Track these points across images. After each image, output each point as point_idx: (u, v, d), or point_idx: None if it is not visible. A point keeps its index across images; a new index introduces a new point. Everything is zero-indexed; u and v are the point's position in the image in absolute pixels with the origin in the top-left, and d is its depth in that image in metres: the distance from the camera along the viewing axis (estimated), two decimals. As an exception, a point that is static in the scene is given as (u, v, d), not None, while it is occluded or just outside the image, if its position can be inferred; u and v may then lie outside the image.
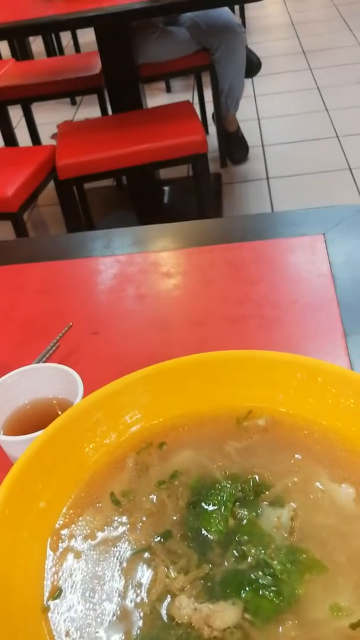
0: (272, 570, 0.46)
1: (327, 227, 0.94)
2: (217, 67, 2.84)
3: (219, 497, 0.50)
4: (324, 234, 0.93)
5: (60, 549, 0.49)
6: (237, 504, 0.50)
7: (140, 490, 0.53)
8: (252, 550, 0.47)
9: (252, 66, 3.05)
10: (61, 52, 4.52)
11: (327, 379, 0.53)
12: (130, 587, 0.46)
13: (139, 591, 0.46)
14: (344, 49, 4.23)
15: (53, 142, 2.51)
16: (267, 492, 0.51)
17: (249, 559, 0.46)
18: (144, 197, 2.78)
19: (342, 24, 4.64)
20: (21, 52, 3.97)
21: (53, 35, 4.40)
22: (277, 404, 0.56)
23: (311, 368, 0.54)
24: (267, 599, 0.44)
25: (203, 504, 0.50)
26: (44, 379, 0.63)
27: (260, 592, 0.44)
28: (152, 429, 0.57)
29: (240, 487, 0.51)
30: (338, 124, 3.33)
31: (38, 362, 0.76)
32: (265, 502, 0.50)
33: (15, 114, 3.25)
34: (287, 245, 0.93)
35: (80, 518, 0.51)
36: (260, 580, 0.45)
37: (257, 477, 0.52)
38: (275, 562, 0.46)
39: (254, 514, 0.49)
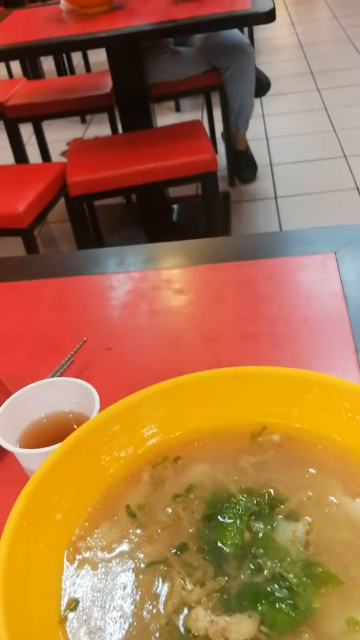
0: (288, 583, 0.46)
1: (338, 245, 0.95)
2: (228, 86, 2.88)
3: (235, 511, 0.51)
4: (335, 253, 0.94)
5: (77, 561, 0.50)
6: (253, 517, 0.51)
7: (156, 503, 0.54)
8: (268, 564, 0.47)
9: (262, 86, 3.09)
10: (72, 71, 4.59)
11: (342, 395, 0.54)
12: (146, 598, 0.47)
13: (155, 603, 0.46)
14: (351, 70, 4.28)
15: (63, 159, 2.54)
16: (282, 506, 0.51)
17: (265, 572, 0.47)
18: (152, 215, 2.80)
19: (349, 46, 4.70)
20: (32, 72, 4.03)
21: (64, 55, 4.47)
22: (292, 419, 0.57)
23: (325, 384, 0.55)
24: (283, 612, 0.44)
25: (219, 517, 0.51)
26: (61, 393, 0.64)
27: (277, 605, 0.45)
28: (167, 443, 0.58)
29: (255, 501, 0.52)
30: (346, 144, 3.36)
31: (52, 377, 0.77)
32: (280, 516, 0.51)
33: (26, 131, 3.29)
34: (299, 263, 0.94)
35: (97, 530, 0.52)
36: (276, 593, 0.45)
37: (272, 491, 0.53)
38: (291, 576, 0.46)
39: (270, 527, 0.50)
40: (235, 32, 2.90)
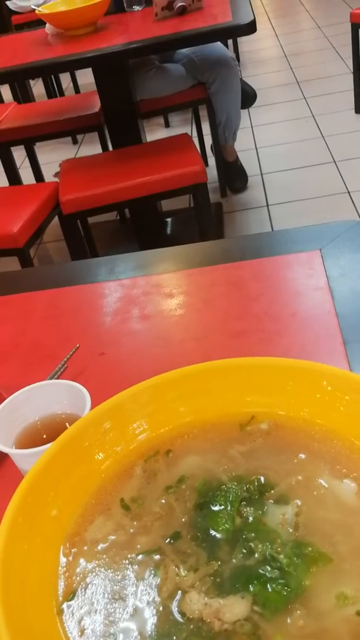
0: (279, 564, 0.47)
1: (323, 243, 0.97)
2: (214, 99, 2.92)
3: (225, 498, 0.52)
4: (320, 250, 0.95)
5: (73, 554, 0.51)
6: (243, 503, 0.52)
7: (149, 495, 0.55)
8: (259, 546, 0.48)
9: (248, 97, 3.13)
10: (61, 94, 4.65)
11: (321, 379, 0.55)
12: (141, 586, 0.48)
13: (150, 590, 0.47)
14: (336, 78, 4.33)
15: (56, 180, 2.58)
16: (271, 491, 0.52)
17: (256, 555, 0.48)
18: (146, 229, 2.83)
19: (333, 54, 4.76)
20: (22, 96, 4.09)
21: (53, 78, 4.54)
22: (278, 407, 0.58)
23: (304, 370, 0.56)
24: (275, 591, 0.45)
25: (210, 505, 0.52)
26: (52, 396, 0.65)
27: (268, 585, 0.46)
28: (158, 437, 0.59)
29: (245, 488, 0.53)
30: (334, 150, 3.40)
31: (47, 383, 0.78)
32: (270, 501, 0.52)
33: (19, 154, 3.33)
34: (285, 261, 0.96)
35: (92, 524, 0.53)
36: (267, 574, 0.46)
37: (261, 477, 0.54)
38: (281, 557, 0.47)
39: (260, 512, 0.51)
40: (219, 47, 2.95)
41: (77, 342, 0.86)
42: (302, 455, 0.55)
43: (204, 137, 3.44)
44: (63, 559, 0.51)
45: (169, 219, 3.05)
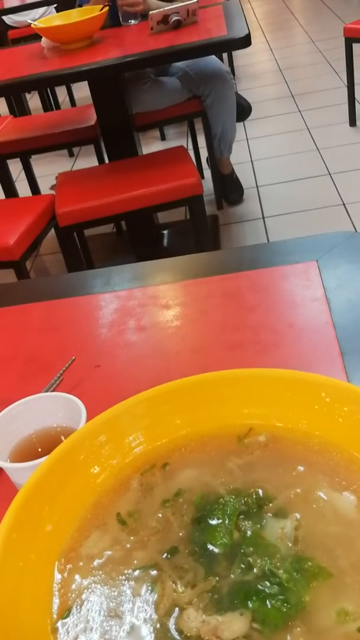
0: (278, 579, 0.46)
1: (320, 253, 0.97)
2: (209, 113, 2.93)
3: (223, 512, 0.51)
4: (317, 261, 0.95)
5: (68, 570, 0.50)
6: (241, 517, 0.51)
7: (145, 509, 0.54)
8: (258, 561, 0.47)
9: (243, 110, 3.15)
10: (57, 107, 4.67)
11: (318, 390, 0.55)
12: (138, 603, 0.47)
13: (147, 607, 0.46)
14: (330, 91, 4.36)
15: (52, 192, 2.58)
16: (270, 504, 0.51)
17: (255, 570, 0.47)
18: (143, 241, 2.83)
19: (327, 68, 4.80)
20: (19, 109, 4.11)
21: (49, 92, 4.56)
22: (276, 419, 0.58)
23: (301, 381, 0.56)
24: (274, 607, 0.44)
25: (208, 519, 0.51)
26: (47, 409, 0.64)
27: (268, 602, 0.45)
28: (155, 450, 0.58)
29: (243, 501, 0.52)
30: (330, 162, 3.41)
31: (42, 396, 0.77)
32: (268, 514, 0.51)
33: (15, 167, 3.34)
34: (282, 272, 0.95)
35: (88, 539, 0.52)
36: (267, 590, 0.45)
37: (260, 490, 0.53)
38: (281, 572, 0.46)
39: (258, 525, 0.50)
40: (213, 61, 2.97)
41: (73, 354, 0.86)
42: (301, 468, 0.54)
43: (200, 150, 3.45)
44: (58, 576, 0.50)
45: (165, 231, 3.06)
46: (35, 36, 2.95)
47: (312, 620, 0.44)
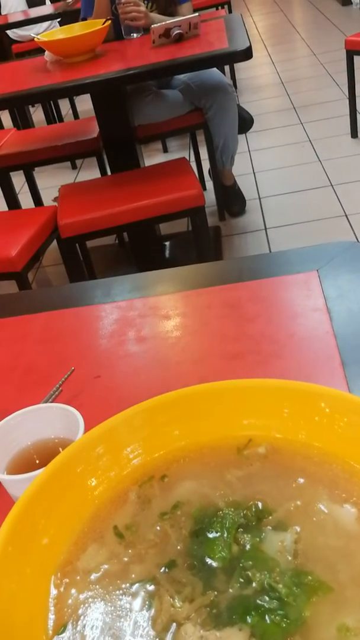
0: (277, 594, 0.45)
1: (320, 263, 0.96)
2: (211, 125, 2.94)
3: (222, 525, 0.50)
4: (317, 270, 0.95)
5: (65, 584, 0.49)
6: (240, 530, 0.50)
7: (143, 522, 0.53)
8: (257, 575, 0.46)
9: (245, 122, 3.16)
10: (60, 121, 4.70)
11: (318, 401, 0.54)
12: (135, 618, 0.46)
13: (144, 623, 0.45)
14: (332, 103, 4.38)
15: (55, 204, 2.59)
16: (269, 517, 0.51)
17: (254, 584, 0.46)
18: (145, 252, 2.83)
19: (329, 80, 4.82)
20: (22, 122, 4.13)
21: (52, 105, 4.59)
22: (275, 430, 0.57)
23: (301, 391, 0.55)
24: (273, 622, 0.43)
25: (206, 532, 0.50)
26: (45, 420, 0.64)
27: (267, 617, 0.44)
28: (153, 462, 0.58)
29: (242, 514, 0.51)
30: (332, 174, 3.42)
31: (41, 407, 0.77)
32: (268, 527, 0.50)
33: (19, 180, 3.35)
34: (282, 283, 0.95)
35: (84, 553, 0.51)
36: (266, 605, 0.45)
37: (259, 503, 0.52)
38: (280, 586, 0.46)
39: (257, 539, 0.49)
40: (215, 73, 2.99)
41: (73, 365, 0.85)
42: (301, 480, 0.53)
43: (202, 162, 3.46)
44: (54, 590, 0.49)
45: (167, 243, 3.06)
46: (39, 50, 2.98)
47: (312, 635, 0.43)
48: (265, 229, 3.06)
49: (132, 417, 0.58)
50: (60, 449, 0.62)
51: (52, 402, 0.78)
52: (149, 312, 0.96)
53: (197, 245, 2.55)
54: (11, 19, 4.92)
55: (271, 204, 3.28)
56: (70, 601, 0.48)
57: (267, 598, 0.45)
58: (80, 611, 0.47)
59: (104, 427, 0.57)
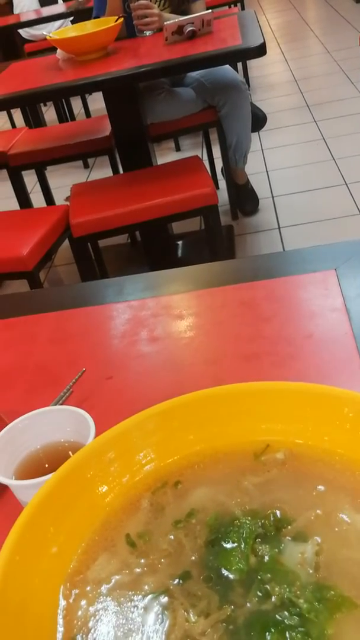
0: (298, 609, 0.43)
1: (338, 262, 0.93)
2: (224, 123, 2.92)
3: (239, 534, 0.48)
4: (335, 269, 0.92)
5: (74, 596, 0.47)
6: (258, 540, 0.47)
7: (156, 530, 0.51)
8: (276, 589, 0.44)
9: (258, 121, 3.13)
10: (72, 119, 4.69)
11: (342, 406, 0.51)
12: (147, 633, 0.44)
13: (157, 638, 0.43)
14: (346, 101, 4.33)
15: (67, 203, 2.57)
16: (289, 527, 0.48)
17: (273, 599, 0.44)
18: (157, 251, 2.81)
19: (343, 78, 4.78)
20: (34, 121, 4.12)
21: (64, 104, 4.58)
22: (295, 436, 0.54)
23: (324, 395, 0.52)
24: (294, 640, 0.41)
25: (222, 542, 0.48)
26: (55, 422, 0.62)
27: (287, 634, 0.41)
28: (166, 467, 0.55)
29: (260, 523, 0.49)
30: (346, 172, 3.38)
31: (51, 409, 0.75)
32: (287, 537, 0.47)
33: (31, 179, 3.34)
34: (299, 282, 0.92)
35: (95, 562, 0.49)
36: (286, 621, 0.42)
37: (277, 511, 0.50)
38: (301, 601, 0.43)
39: (276, 550, 0.47)
40: (228, 71, 2.96)
41: (84, 366, 0.83)
42: (321, 487, 0.51)
43: (215, 160, 3.44)
44: (63, 601, 0.47)
45: (180, 242, 3.04)
46: (51, 49, 2.97)
47: (336, 655, 0.40)
48: (279, 227, 3.03)
49: (144, 420, 0.56)
50: (71, 453, 0.60)
51: (62, 403, 0.77)
52: (162, 311, 0.93)
53: (209, 245, 2.52)
54: (23, 18, 4.92)
55: (284, 203, 3.24)
56: (79, 613, 0.46)
57: (287, 614, 0.43)
58: (90, 624, 0.45)
59: (116, 430, 0.55)
